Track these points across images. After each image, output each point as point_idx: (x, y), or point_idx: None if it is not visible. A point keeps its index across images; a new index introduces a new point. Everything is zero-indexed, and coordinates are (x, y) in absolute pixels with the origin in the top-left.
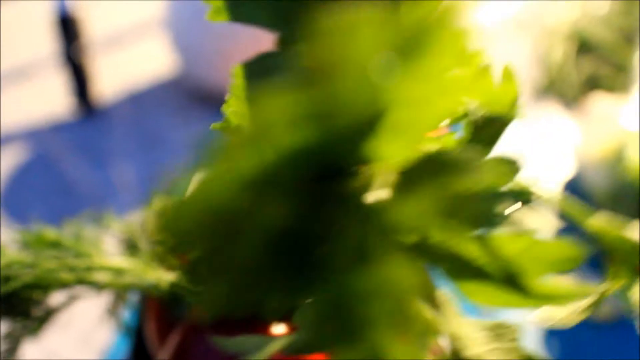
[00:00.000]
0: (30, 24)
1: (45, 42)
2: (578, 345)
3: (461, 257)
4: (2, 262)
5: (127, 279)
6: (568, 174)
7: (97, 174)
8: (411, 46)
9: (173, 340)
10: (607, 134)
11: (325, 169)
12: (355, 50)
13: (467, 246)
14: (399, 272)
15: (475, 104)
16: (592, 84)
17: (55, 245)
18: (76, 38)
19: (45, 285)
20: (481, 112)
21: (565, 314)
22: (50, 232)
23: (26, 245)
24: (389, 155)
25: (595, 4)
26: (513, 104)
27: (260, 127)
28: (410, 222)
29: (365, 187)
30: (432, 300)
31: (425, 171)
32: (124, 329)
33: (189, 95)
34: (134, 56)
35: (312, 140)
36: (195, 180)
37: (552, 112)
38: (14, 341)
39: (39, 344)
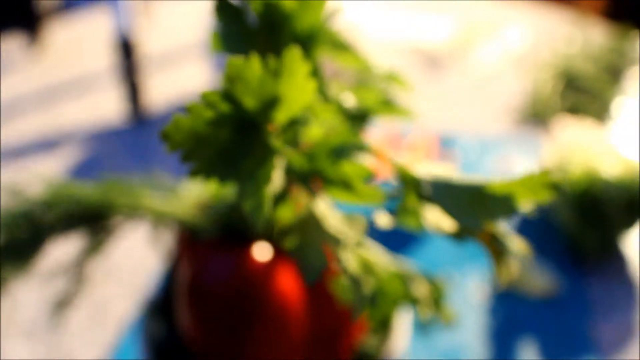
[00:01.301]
0: (92, 42)
1: (105, 58)
2: (515, 321)
3: (325, 177)
4: (78, 192)
5: (164, 212)
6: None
7: (144, 171)
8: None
9: (188, 257)
10: (562, 151)
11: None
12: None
13: (327, 169)
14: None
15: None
16: (573, 112)
17: (118, 185)
18: (132, 56)
19: (108, 209)
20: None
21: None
22: (114, 177)
23: (99, 185)
24: (278, 118)
25: (586, 43)
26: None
27: (218, 99)
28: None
29: (266, 131)
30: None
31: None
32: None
33: None
34: (180, 74)
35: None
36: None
37: (531, 135)
38: (83, 258)
39: (90, 296)
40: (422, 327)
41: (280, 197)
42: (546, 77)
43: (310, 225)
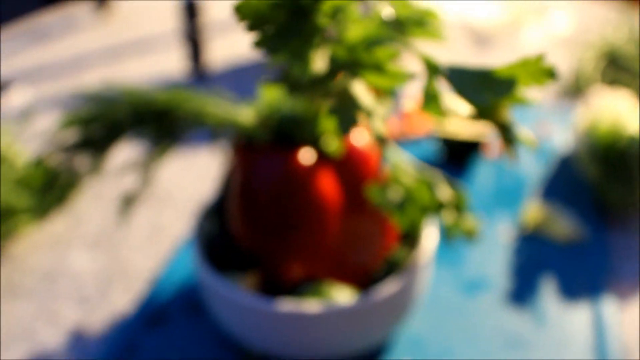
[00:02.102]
0: (157, 6)
1: (168, 22)
2: (538, 262)
3: (361, 63)
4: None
5: (225, 118)
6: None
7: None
8: None
9: (241, 161)
10: (593, 113)
11: (302, 9)
12: None
13: (362, 56)
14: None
15: None
16: (612, 86)
17: (184, 92)
18: (196, 17)
19: (174, 111)
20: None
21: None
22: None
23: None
24: (325, 8)
25: (630, 28)
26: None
27: None
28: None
29: (315, 17)
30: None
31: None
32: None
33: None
34: (239, 38)
35: None
36: None
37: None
38: (150, 158)
39: (147, 218)
40: (447, 241)
41: (324, 80)
42: (589, 55)
43: (347, 96)
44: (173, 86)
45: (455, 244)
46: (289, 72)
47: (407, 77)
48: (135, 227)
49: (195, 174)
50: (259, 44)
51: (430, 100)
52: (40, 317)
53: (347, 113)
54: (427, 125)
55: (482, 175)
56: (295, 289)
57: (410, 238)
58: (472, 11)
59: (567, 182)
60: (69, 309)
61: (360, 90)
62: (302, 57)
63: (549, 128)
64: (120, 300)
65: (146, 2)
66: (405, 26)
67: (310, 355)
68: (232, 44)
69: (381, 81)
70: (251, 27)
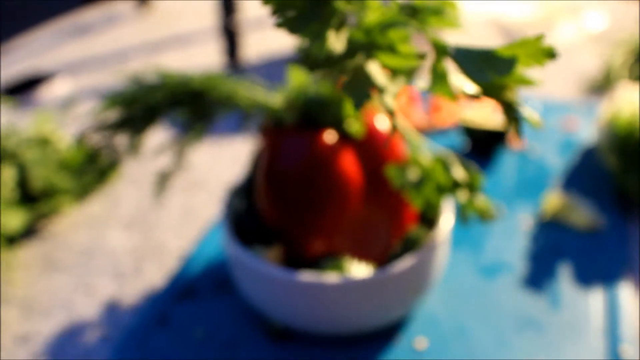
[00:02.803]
0: (196, 4)
1: (206, 18)
2: (556, 249)
3: (376, 45)
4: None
5: (254, 101)
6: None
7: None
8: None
9: (268, 142)
10: (615, 105)
11: None
12: None
13: (379, 39)
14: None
15: None
16: (638, 82)
17: (218, 76)
18: (233, 13)
19: (208, 93)
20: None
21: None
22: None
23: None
24: None
25: None
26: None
27: None
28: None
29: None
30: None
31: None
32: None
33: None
34: (273, 33)
35: None
36: None
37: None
38: (183, 143)
39: (181, 201)
40: (463, 222)
41: (341, 59)
42: (619, 52)
43: (362, 73)
44: (208, 71)
45: (471, 225)
46: (308, 53)
47: (418, 57)
48: (169, 208)
49: (228, 160)
50: (281, 25)
51: (438, 79)
52: (78, 289)
53: (361, 89)
54: (454, 117)
55: (506, 165)
56: (316, 263)
57: (429, 219)
58: (505, 9)
59: (589, 172)
60: (105, 283)
61: (375, 68)
62: (320, 37)
63: (576, 122)
64: (153, 276)
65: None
66: (422, 13)
67: (330, 328)
68: (267, 39)
69: (394, 61)
70: (275, 11)
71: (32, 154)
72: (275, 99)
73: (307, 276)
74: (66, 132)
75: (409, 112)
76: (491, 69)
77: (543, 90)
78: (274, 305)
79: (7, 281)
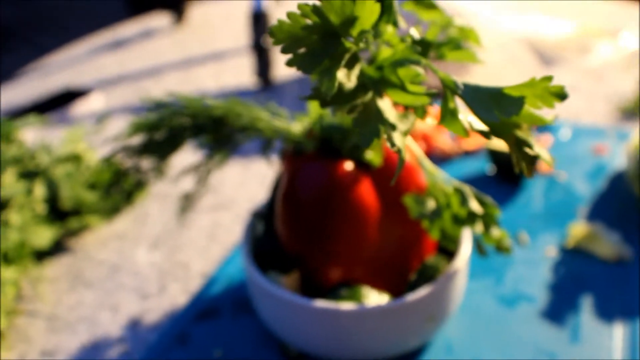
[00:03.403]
0: (228, 21)
1: (238, 35)
2: (580, 279)
3: (390, 82)
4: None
5: (276, 129)
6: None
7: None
8: None
9: (288, 168)
10: None
11: (332, 32)
12: None
13: (391, 77)
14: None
15: None
16: None
17: (241, 103)
18: (264, 31)
19: (231, 119)
20: None
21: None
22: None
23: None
24: (354, 31)
25: None
26: None
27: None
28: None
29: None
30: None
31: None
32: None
33: None
34: None
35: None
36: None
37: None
38: (207, 166)
39: (208, 221)
40: (480, 254)
41: (352, 96)
42: None
43: (372, 109)
44: (230, 98)
45: (492, 257)
46: (318, 90)
47: (428, 96)
48: (196, 228)
49: (257, 180)
50: (291, 63)
51: (449, 116)
52: (103, 306)
53: (370, 125)
54: (481, 140)
55: (533, 191)
56: (333, 291)
57: (447, 249)
58: (541, 29)
59: (617, 200)
60: (129, 301)
61: (386, 105)
62: (329, 76)
63: (607, 147)
64: (176, 294)
65: (221, 14)
66: (440, 49)
67: (345, 355)
68: None
69: (404, 99)
70: (285, 49)
71: (63, 171)
72: (295, 127)
73: (321, 303)
74: (97, 150)
75: (435, 136)
76: (499, 109)
77: (576, 113)
78: (289, 330)
79: (34, 296)
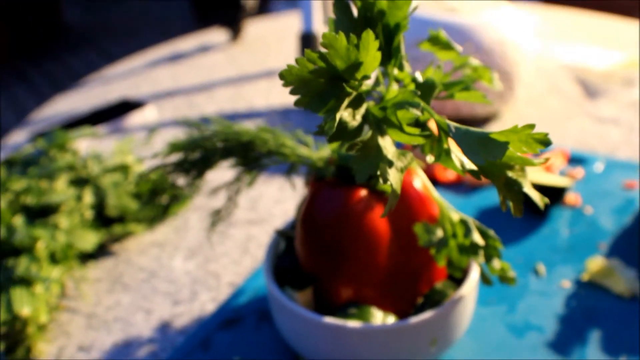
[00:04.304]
0: (281, 38)
1: (289, 51)
2: (591, 313)
3: (390, 122)
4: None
5: (300, 155)
6: None
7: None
8: None
9: (309, 192)
10: None
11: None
12: None
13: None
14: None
15: None
16: None
17: (268, 129)
18: (313, 47)
19: (258, 144)
20: None
21: None
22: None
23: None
24: (358, 75)
25: None
26: None
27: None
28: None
29: (349, 83)
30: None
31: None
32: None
33: None
34: None
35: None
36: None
37: None
38: (237, 183)
39: (243, 233)
40: (485, 282)
41: (357, 132)
42: None
43: (372, 147)
44: (259, 126)
45: (507, 285)
46: (322, 128)
47: (423, 136)
48: (231, 241)
49: (292, 198)
50: (299, 103)
51: (444, 155)
52: (139, 307)
53: (368, 162)
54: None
55: (558, 223)
56: (342, 309)
57: (450, 267)
58: (589, 60)
59: (639, 238)
60: (162, 305)
61: (387, 143)
62: (332, 116)
63: (637, 183)
64: (205, 302)
65: (275, 32)
66: (450, 89)
67: None
68: None
69: (402, 138)
70: (294, 91)
71: (110, 180)
72: (318, 154)
73: (330, 319)
74: (144, 161)
75: None
76: (485, 152)
77: (614, 146)
78: (301, 342)
79: (77, 294)
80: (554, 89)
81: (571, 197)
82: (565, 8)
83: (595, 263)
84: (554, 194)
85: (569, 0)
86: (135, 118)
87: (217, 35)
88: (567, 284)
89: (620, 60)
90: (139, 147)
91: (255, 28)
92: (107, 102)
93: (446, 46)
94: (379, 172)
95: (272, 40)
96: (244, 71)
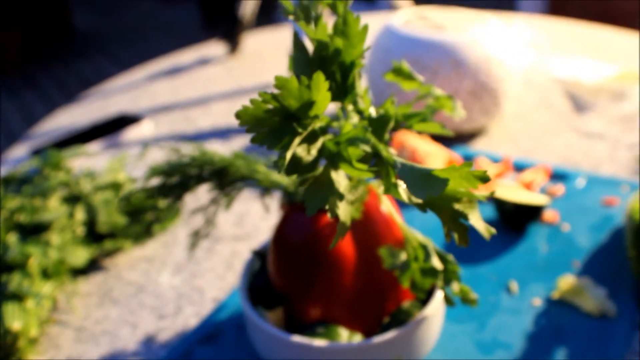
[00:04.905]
0: (282, 49)
1: (283, 63)
2: (560, 331)
3: (342, 157)
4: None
5: (272, 180)
6: None
7: None
8: None
9: (282, 215)
10: None
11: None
12: None
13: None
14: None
15: None
16: None
17: (242, 156)
18: None
19: (232, 170)
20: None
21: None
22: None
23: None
24: (310, 114)
25: None
26: None
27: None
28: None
29: (301, 122)
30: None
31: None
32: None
33: None
34: None
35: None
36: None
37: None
38: (213, 211)
39: (229, 251)
40: (447, 303)
41: (312, 166)
42: None
43: (324, 181)
44: (233, 151)
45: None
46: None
47: (371, 172)
48: (217, 256)
49: (277, 216)
50: (255, 140)
51: (392, 187)
52: (125, 321)
53: (319, 195)
54: (488, 188)
55: (534, 240)
56: (310, 328)
57: (414, 289)
58: (580, 73)
59: (612, 256)
60: (148, 319)
61: (339, 177)
62: (284, 152)
63: (617, 200)
64: (189, 317)
65: (272, 45)
66: (410, 120)
67: None
68: None
69: (352, 172)
70: (249, 129)
71: (102, 198)
72: (289, 179)
73: (297, 338)
74: (135, 178)
75: None
76: (427, 187)
77: (597, 161)
78: (273, 358)
79: (67, 308)
80: (543, 103)
81: (549, 214)
82: (563, 19)
83: (566, 281)
84: (532, 212)
85: (568, 10)
86: (132, 133)
87: (216, 47)
88: (538, 302)
89: (612, 73)
90: (133, 163)
91: (254, 41)
92: (105, 116)
93: (408, 77)
94: (327, 207)
95: (270, 53)
96: (241, 85)
